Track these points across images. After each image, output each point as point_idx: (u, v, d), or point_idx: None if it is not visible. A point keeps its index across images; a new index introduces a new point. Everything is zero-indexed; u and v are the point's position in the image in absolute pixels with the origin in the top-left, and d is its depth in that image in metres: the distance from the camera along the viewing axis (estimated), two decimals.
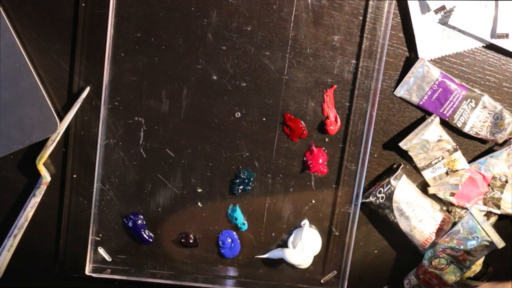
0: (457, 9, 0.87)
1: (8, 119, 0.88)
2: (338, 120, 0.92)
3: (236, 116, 0.92)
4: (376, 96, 0.90)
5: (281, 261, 0.96)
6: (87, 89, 0.90)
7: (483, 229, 0.88)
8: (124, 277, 0.96)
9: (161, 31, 0.89)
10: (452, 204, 0.93)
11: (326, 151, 0.93)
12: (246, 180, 0.94)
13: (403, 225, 0.92)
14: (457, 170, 0.92)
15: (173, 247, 0.97)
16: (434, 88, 0.89)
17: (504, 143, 0.93)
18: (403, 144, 0.91)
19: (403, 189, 0.92)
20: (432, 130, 0.89)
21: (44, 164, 0.91)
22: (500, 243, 0.89)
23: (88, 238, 0.94)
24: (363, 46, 0.89)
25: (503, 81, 0.92)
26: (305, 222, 0.96)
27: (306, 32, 0.89)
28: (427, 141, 0.90)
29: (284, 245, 0.96)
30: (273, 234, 0.97)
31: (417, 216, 0.92)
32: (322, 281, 0.98)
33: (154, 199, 0.95)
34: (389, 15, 0.88)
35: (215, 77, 0.90)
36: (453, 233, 0.91)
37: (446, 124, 0.92)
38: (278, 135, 0.92)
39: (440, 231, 0.92)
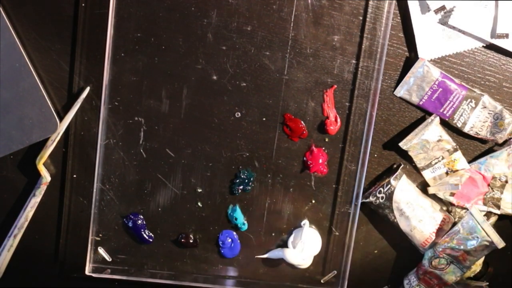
0: (457, 9, 0.87)
1: (8, 119, 0.88)
2: (338, 120, 0.92)
3: (236, 116, 0.92)
4: (376, 96, 0.90)
5: (281, 261, 0.96)
6: (87, 89, 0.90)
7: (483, 229, 0.88)
8: (124, 277, 0.96)
9: (161, 31, 0.89)
10: (452, 204, 0.93)
11: (326, 151, 0.93)
12: (246, 180, 0.94)
13: (403, 225, 0.92)
14: (457, 170, 0.92)
15: (173, 247, 0.97)
16: (434, 88, 0.89)
17: (504, 143, 0.93)
18: (403, 144, 0.91)
19: (403, 189, 0.92)
20: (432, 130, 0.89)
21: (44, 164, 0.91)
22: (500, 243, 0.89)
23: (88, 238, 0.95)
24: (363, 46, 0.89)
25: (503, 81, 0.92)
26: (305, 222, 0.96)
27: (306, 32, 0.89)
28: (427, 141, 0.90)
29: (284, 245, 0.96)
30: (273, 234, 0.97)
31: (417, 216, 0.92)
32: (322, 281, 0.98)
33: (154, 199, 0.95)
34: (389, 15, 0.88)
35: (215, 77, 0.90)
36: (453, 233, 0.91)
37: (446, 124, 0.92)
38: (278, 135, 0.92)
39: (440, 231, 0.92)
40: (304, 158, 0.93)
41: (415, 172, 0.95)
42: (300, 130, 0.92)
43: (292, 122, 0.91)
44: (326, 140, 0.93)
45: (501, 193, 0.92)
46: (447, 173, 0.92)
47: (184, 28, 0.89)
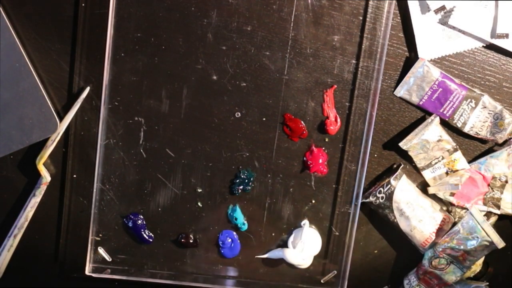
0: (457, 9, 0.87)
1: (8, 119, 0.88)
2: (338, 120, 0.92)
3: (236, 116, 0.92)
4: (376, 96, 0.90)
5: (281, 261, 0.96)
6: (87, 89, 0.90)
7: (483, 229, 0.88)
8: (124, 277, 0.96)
9: (161, 31, 0.89)
10: (452, 204, 0.93)
11: (326, 151, 0.93)
12: (246, 180, 0.94)
13: (403, 225, 0.92)
14: (457, 170, 0.92)
15: (173, 247, 0.97)
16: (434, 88, 0.89)
17: (504, 143, 0.93)
18: (403, 144, 0.91)
19: (403, 189, 0.92)
20: (432, 130, 0.89)
21: (44, 164, 0.91)
22: (500, 243, 0.89)
23: (88, 238, 0.94)
24: (363, 46, 0.89)
25: (503, 81, 0.92)
26: (305, 222, 0.96)
27: (306, 32, 0.89)
28: (427, 141, 0.90)
29: (284, 245, 0.96)
30: (273, 234, 0.97)
31: (417, 216, 0.92)
32: (322, 281, 0.98)
33: (154, 199, 0.95)
34: (389, 15, 0.88)
35: (215, 77, 0.90)
36: (453, 233, 0.91)
37: (446, 124, 0.92)
38: (278, 135, 0.92)
39: (440, 231, 0.92)
40: (304, 158, 0.93)
41: (415, 172, 0.95)
42: (300, 130, 0.92)
43: (292, 122, 0.91)
44: (326, 140, 0.93)
45: (501, 193, 0.92)
46: (447, 173, 0.92)
47: (184, 28, 0.89)
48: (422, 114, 0.93)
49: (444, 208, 0.95)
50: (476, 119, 0.91)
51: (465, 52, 0.91)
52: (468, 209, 0.92)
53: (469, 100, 0.90)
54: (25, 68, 0.88)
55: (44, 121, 0.89)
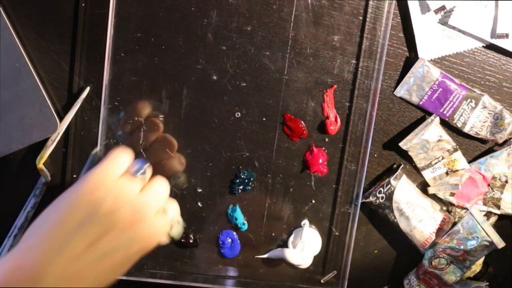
0: (457, 9, 0.87)
1: (8, 119, 0.88)
2: (338, 120, 0.92)
3: (236, 116, 0.92)
4: (376, 96, 0.90)
5: (281, 261, 0.96)
6: (87, 89, 0.90)
7: (483, 229, 0.88)
8: (124, 277, 0.95)
9: (161, 31, 0.89)
10: (452, 204, 0.93)
11: (326, 151, 0.93)
12: (246, 180, 0.94)
13: (403, 225, 0.92)
14: (457, 170, 0.92)
15: (173, 247, 0.97)
16: (434, 88, 0.89)
17: (504, 143, 0.93)
18: (403, 144, 0.91)
19: (403, 189, 0.92)
20: (432, 130, 0.89)
21: (44, 164, 0.91)
22: (500, 243, 0.89)
23: None
24: (363, 46, 0.89)
25: (503, 81, 0.92)
26: (305, 222, 0.96)
27: (306, 32, 0.89)
28: (427, 141, 0.90)
29: (284, 245, 0.96)
30: (273, 234, 0.97)
31: (417, 216, 0.92)
32: (322, 281, 0.98)
33: None
34: (389, 15, 0.88)
35: (215, 77, 0.90)
36: (453, 233, 0.91)
37: (446, 124, 0.92)
38: (278, 135, 0.92)
39: (440, 231, 0.92)
40: (304, 158, 0.93)
41: (415, 172, 0.95)
42: (300, 130, 0.92)
43: (292, 122, 0.91)
44: (326, 140, 0.93)
45: (501, 193, 0.92)
46: (447, 173, 0.92)
47: (184, 28, 0.89)
48: (422, 114, 0.93)
49: (444, 208, 0.95)
50: (476, 119, 0.91)
51: (465, 52, 0.91)
52: (468, 209, 0.92)
53: (469, 100, 0.90)
54: (25, 68, 0.88)
55: (44, 121, 0.89)
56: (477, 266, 0.95)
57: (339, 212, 0.95)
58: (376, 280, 1.00)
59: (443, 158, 0.91)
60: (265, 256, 0.96)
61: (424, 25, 0.89)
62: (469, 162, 0.94)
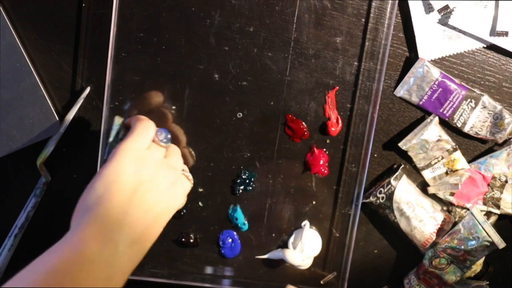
0: (457, 9, 0.88)
1: (9, 119, 0.88)
2: (340, 121, 0.92)
3: (238, 116, 0.92)
4: (377, 98, 0.90)
5: (281, 261, 0.96)
6: (88, 89, 0.90)
7: (484, 229, 0.89)
8: None
9: (163, 31, 0.88)
10: (452, 204, 0.94)
11: (327, 152, 0.93)
12: (247, 181, 0.94)
13: (403, 225, 0.93)
14: (456, 170, 0.92)
15: (173, 247, 0.97)
16: (434, 88, 0.90)
17: (504, 143, 0.93)
18: (402, 144, 0.91)
19: (403, 189, 0.92)
20: (431, 130, 0.90)
21: (44, 164, 0.91)
22: (500, 244, 0.89)
23: None
24: (365, 48, 0.89)
25: (503, 81, 0.93)
26: (306, 223, 0.96)
27: (308, 33, 0.89)
28: (426, 141, 0.90)
29: (285, 245, 0.96)
30: (274, 235, 0.97)
31: (418, 216, 0.92)
32: (322, 282, 0.98)
33: None
34: (391, 17, 0.88)
35: (217, 78, 0.90)
36: (453, 233, 0.91)
37: (446, 124, 0.93)
38: (280, 136, 0.93)
39: (440, 231, 0.93)
40: (305, 159, 0.93)
41: (415, 172, 0.95)
42: (301, 131, 0.92)
43: (294, 123, 0.91)
44: (327, 141, 0.93)
45: (501, 193, 0.93)
46: (447, 173, 0.93)
47: (186, 29, 0.88)
48: (422, 114, 0.93)
49: (445, 208, 0.95)
50: (476, 119, 0.91)
51: (465, 52, 0.91)
52: (468, 209, 0.93)
53: (469, 100, 0.90)
54: (26, 68, 0.88)
55: (45, 121, 0.89)
56: (477, 266, 0.96)
57: (339, 213, 0.96)
58: (376, 280, 1.00)
59: (442, 158, 0.92)
60: (265, 256, 0.96)
61: (424, 26, 0.89)
62: (469, 162, 0.94)
